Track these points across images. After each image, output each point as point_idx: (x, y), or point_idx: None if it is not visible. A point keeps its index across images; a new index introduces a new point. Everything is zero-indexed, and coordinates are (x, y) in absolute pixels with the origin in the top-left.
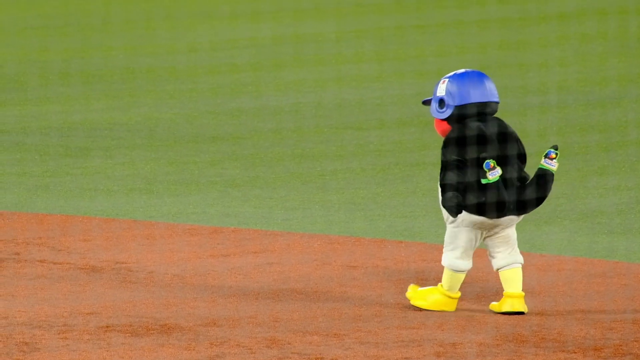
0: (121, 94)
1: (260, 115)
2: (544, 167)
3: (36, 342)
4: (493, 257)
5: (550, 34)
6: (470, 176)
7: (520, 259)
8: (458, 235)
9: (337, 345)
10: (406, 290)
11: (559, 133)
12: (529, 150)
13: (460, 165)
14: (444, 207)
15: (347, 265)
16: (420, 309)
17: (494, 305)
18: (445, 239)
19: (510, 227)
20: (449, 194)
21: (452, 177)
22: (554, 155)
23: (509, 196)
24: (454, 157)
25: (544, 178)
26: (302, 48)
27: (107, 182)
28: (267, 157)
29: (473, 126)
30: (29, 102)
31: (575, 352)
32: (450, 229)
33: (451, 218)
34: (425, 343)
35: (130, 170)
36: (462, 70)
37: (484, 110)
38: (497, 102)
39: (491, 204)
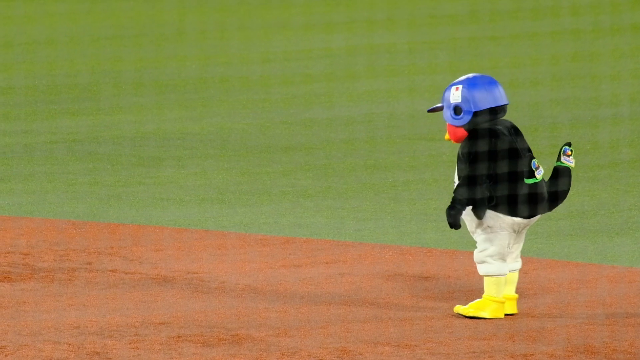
0: (194, 103)
1: (333, 126)
2: (564, 165)
3: (107, 352)
4: None
5: (623, 46)
6: (505, 185)
7: (520, 263)
8: (494, 241)
9: (408, 356)
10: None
11: (631, 145)
12: (600, 162)
13: (489, 178)
14: (447, 216)
15: (418, 276)
16: (476, 319)
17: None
18: (479, 247)
19: (525, 230)
20: (460, 208)
21: (476, 192)
22: (569, 152)
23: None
24: (484, 171)
25: (564, 174)
26: (375, 59)
27: (179, 192)
28: (339, 168)
29: (505, 138)
30: (101, 111)
31: None
32: (484, 235)
33: (484, 224)
34: (497, 354)
35: (203, 180)
36: (471, 75)
37: (500, 114)
38: (507, 104)
39: (530, 203)
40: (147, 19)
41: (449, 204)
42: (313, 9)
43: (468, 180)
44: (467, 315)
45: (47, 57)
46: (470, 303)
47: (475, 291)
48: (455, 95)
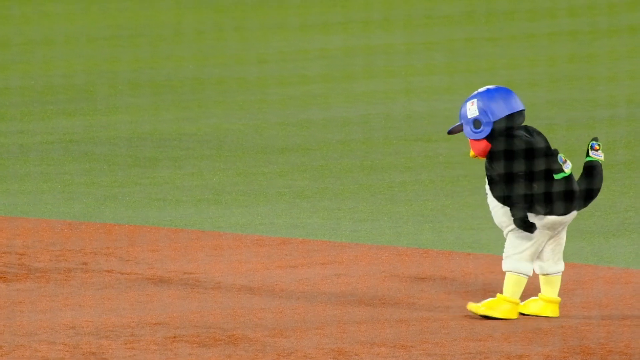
0: (190, 104)
1: (329, 127)
2: (593, 159)
3: (103, 352)
4: (543, 261)
5: (620, 47)
6: (538, 184)
7: (563, 265)
8: (525, 239)
9: (404, 356)
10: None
11: (628, 146)
12: None
13: (525, 177)
14: (516, 220)
15: (414, 277)
16: (488, 318)
17: (520, 307)
18: (508, 243)
19: (565, 229)
20: (520, 208)
21: (520, 189)
22: (597, 147)
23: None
24: (520, 169)
25: (596, 169)
26: (371, 60)
27: (176, 192)
28: (335, 169)
29: (529, 139)
30: (98, 112)
31: None
32: (516, 233)
33: (512, 225)
34: (492, 355)
35: (199, 180)
36: (484, 88)
37: (519, 120)
38: (524, 110)
39: (564, 199)
40: (143, 20)
41: (512, 206)
42: (309, 10)
43: (508, 178)
44: (478, 313)
45: (43, 57)
46: (483, 301)
47: (471, 292)
48: (472, 110)
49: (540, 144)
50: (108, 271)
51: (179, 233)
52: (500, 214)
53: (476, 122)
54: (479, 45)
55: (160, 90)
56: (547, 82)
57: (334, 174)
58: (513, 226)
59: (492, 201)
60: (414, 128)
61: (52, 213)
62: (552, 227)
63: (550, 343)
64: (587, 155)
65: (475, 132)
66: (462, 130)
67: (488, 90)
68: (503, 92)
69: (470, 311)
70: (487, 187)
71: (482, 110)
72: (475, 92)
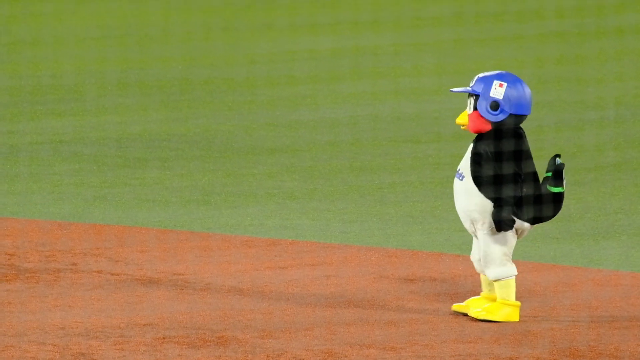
0: (179, 105)
1: (318, 128)
2: (560, 190)
3: (92, 353)
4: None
5: (608, 49)
6: (527, 187)
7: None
8: (501, 242)
9: (393, 358)
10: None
11: (617, 148)
12: (586, 165)
13: (518, 178)
14: (499, 220)
15: (404, 279)
16: (488, 322)
17: (462, 307)
18: (483, 252)
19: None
20: (507, 209)
21: (511, 191)
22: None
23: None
24: (513, 170)
25: (558, 198)
26: (360, 61)
27: (164, 193)
28: (324, 170)
29: (526, 141)
30: (86, 112)
31: None
32: (491, 237)
33: (492, 225)
34: (482, 357)
35: (188, 181)
36: (511, 76)
37: (522, 120)
38: None
39: (548, 210)
40: (132, 20)
41: (496, 207)
42: (298, 11)
43: (496, 179)
44: (479, 318)
45: (32, 57)
46: (484, 306)
47: (461, 293)
48: (497, 91)
49: (529, 147)
50: (97, 272)
51: (168, 234)
52: (472, 203)
53: (495, 104)
54: (467, 47)
55: (149, 90)
56: (536, 84)
57: (323, 175)
58: (484, 223)
59: (460, 186)
60: (403, 129)
61: (41, 213)
62: (522, 232)
63: (540, 345)
64: (553, 182)
65: (490, 113)
66: (468, 92)
67: (515, 80)
68: (527, 90)
69: (471, 317)
70: (462, 167)
71: (507, 98)
72: (505, 73)
